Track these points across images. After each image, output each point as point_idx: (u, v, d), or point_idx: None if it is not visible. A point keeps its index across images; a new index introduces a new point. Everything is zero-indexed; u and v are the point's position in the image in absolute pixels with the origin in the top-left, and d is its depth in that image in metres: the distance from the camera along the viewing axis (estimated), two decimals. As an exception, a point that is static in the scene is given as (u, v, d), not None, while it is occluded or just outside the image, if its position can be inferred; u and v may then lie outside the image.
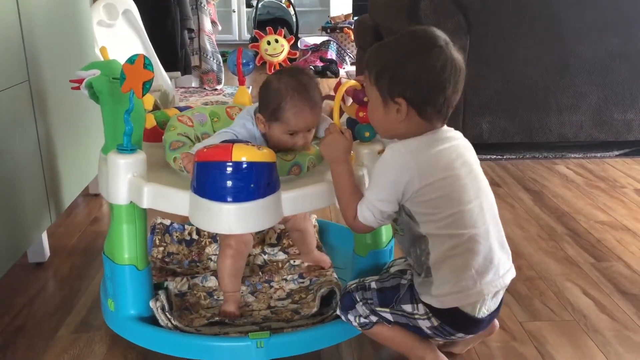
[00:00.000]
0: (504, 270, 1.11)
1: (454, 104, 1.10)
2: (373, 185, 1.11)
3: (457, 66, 1.07)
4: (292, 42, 1.67)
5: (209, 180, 1.08)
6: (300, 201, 1.17)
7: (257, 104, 1.35)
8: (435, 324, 1.10)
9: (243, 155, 1.06)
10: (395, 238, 1.25)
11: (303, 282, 1.47)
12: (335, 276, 1.46)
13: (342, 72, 4.94)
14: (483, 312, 1.09)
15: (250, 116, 1.31)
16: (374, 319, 1.15)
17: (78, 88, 1.23)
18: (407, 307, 1.11)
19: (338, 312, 1.21)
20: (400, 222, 1.15)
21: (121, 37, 2.56)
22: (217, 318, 1.29)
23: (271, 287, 1.46)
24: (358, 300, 1.15)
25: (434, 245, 1.08)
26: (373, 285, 1.16)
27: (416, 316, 1.11)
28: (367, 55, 1.14)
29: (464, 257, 1.07)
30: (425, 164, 1.07)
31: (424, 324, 1.11)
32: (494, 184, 2.36)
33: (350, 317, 1.17)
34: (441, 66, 1.05)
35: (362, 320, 1.16)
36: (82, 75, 1.22)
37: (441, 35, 1.09)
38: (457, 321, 1.10)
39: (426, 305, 1.09)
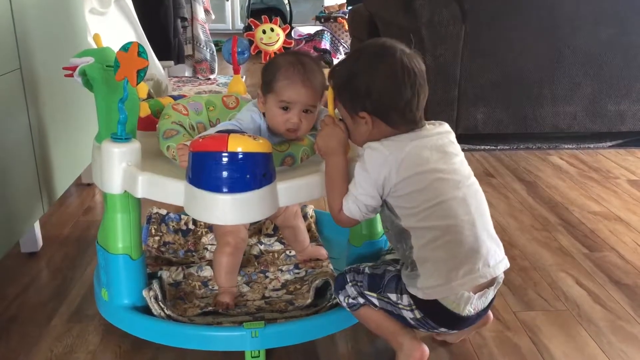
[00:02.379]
0: (495, 261, 1.11)
1: (419, 106, 1.12)
2: (356, 181, 1.12)
3: (411, 69, 1.10)
4: (287, 31, 1.66)
5: (205, 171, 1.08)
6: (296, 192, 1.17)
7: None
8: (418, 316, 1.11)
9: (239, 145, 1.05)
10: (385, 235, 1.27)
11: (299, 273, 1.47)
12: (331, 267, 1.46)
13: (335, 62, 4.93)
14: (468, 310, 1.09)
15: (257, 107, 1.31)
16: (361, 300, 1.17)
17: (71, 75, 1.22)
18: (392, 296, 1.13)
19: (333, 292, 1.23)
20: (383, 219, 1.18)
21: (114, 26, 2.54)
22: (211, 308, 1.29)
23: (266, 277, 1.46)
24: (348, 281, 1.17)
25: (416, 239, 1.09)
26: (366, 270, 1.18)
27: (400, 306, 1.12)
28: (329, 73, 1.19)
29: (447, 249, 1.07)
30: (401, 160, 1.09)
31: (408, 315, 1.12)
32: (488, 174, 2.36)
33: (341, 297, 1.20)
34: (391, 71, 1.09)
35: (351, 300, 1.18)
36: (75, 62, 1.21)
37: (392, 43, 1.13)
38: (440, 316, 1.10)
39: (411, 296, 1.10)
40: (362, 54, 1.15)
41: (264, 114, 1.30)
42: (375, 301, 1.15)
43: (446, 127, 1.17)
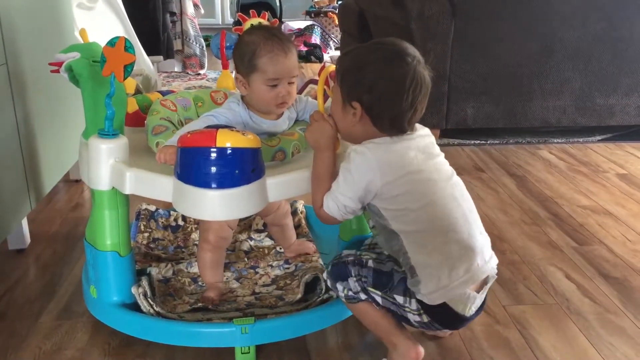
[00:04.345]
0: (488, 255, 1.11)
1: (412, 119, 1.12)
2: (339, 181, 1.12)
3: (419, 83, 1.09)
4: (275, 25, 1.65)
5: (193, 166, 1.07)
6: (285, 187, 1.16)
7: None
8: (426, 320, 1.10)
9: (227, 140, 1.05)
10: (376, 239, 1.26)
11: (288, 268, 1.47)
12: (321, 262, 1.46)
13: (326, 56, 4.92)
14: (472, 310, 1.09)
15: (236, 98, 1.30)
16: (362, 296, 1.14)
17: (57, 71, 1.21)
18: (399, 298, 1.11)
19: (325, 276, 1.20)
20: (373, 223, 1.17)
21: (102, 20, 2.52)
22: (200, 304, 1.28)
23: (256, 273, 1.45)
24: (352, 275, 1.14)
25: (409, 244, 1.08)
26: (370, 263, 1.14)
27: (407, 309, 1.10)
28: (339, 56, 1.18)
29: (444, 250, 1.06)
30: (386, 162, 1.08)
31: (413, 318, 1.11)
32: (478, 169, 2.37)
33: (339, 287, 1.16)
34: (401, 78, 1.08)
35: (350, 294, 1.15)
36: (61, 58, 1.20)
37: (411, 50, 1.11)
38: (447, 319, 1.10)
39: (419, 302, 1.09)
40: (381, 48, 1.12)
41: (242, 97, 1.28)
42: (379, 299, 1.13)
43: (427, 130, 1.18)
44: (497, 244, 1.69)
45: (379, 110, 1.10)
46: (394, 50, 1.10)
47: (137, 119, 1.41)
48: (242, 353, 1.18)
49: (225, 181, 1.07)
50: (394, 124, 1.10)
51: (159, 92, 1.52)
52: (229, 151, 1.05)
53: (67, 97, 1.87)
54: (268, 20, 1.63)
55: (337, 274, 1.17)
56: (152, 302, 1.23)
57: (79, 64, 1.18)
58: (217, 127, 1.10)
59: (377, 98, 1.09)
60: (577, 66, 2.63)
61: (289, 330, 1.21)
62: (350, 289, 1.15)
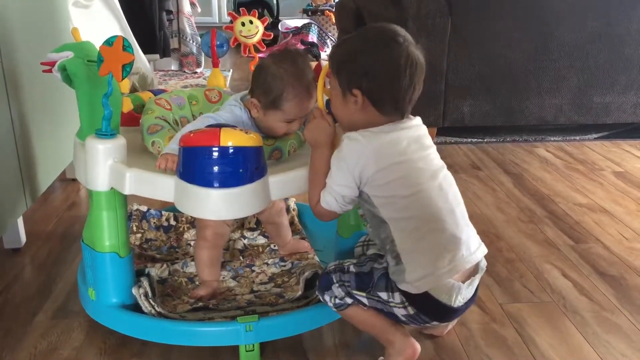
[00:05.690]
0: (475, 246, 1.12)
1: (412, 99, 1.13)
2: (332, 172, 1.12)
3: (414, 61, 1.11)
4: (266, 23, 1.65)
5: (196, 166, 1.07)
6: (287, 185, 1.17)
7: (242, 92, 1.33)
8: (411, 312, 1.10)
9: (231, 139, 1.05)
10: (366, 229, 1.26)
11: (285, 266, 1.47)
12: (317, 259, 1.46)
13: (323, 55, 4.91)
14: (459, 300, 1.09)
15: (237, 102, 1.29)
16: (349, 301, 1.15)
17: (50, 71, 1.20)
18: (383, 295, 1.11)
19: (317, 292, 1.21)
20: (363, 211, 1.18)
21: (98, 19, 2.51)
22: (201, 303, 1.28)
23: (253, 271, 1.45)
24: (335, 281, 1.15)
25: (396, 231, 1.09)
26: (352, 268, 1.15)
27: (391, 304, 1.11)
28: (332, 48, 1.19)
29: (430, 238, 1.07)
30: (379, 149, 1.09)
31: (399, 312, 1.11)
32: (474, 167, 2.37)
33: (327, 297, 1.17)
34: (395, 58, 1.09)
35: (338, 301, 1.16)
36: (53, 57, 1.19)
37: (401, 32, 1.13)
38: (433, 310, 1.10)
39: (403, 293, 1.09)
40: (368, 34, 1.14)
41: (246, 107, 1.28)
42: (365, 300, 1.13)
43: (419, 120, 1.19)
44: (494, 242, 1.69)
45: (379, 93, 1.11)
46: (384, 33, 1.12)
47: (129, 119, 1.40)
48: (246, 351, 1.17)
49: (229, 180, 1.07)
50: (395, 105, 1.12)
51: (150, 91, 1.52)
52: (232, 150, 1.05)
53: (63, 95, 1.86)
54: (258, 18, 1.63)
55: (323, 286, 1.18)
56: (153, 303, 1.23)
57: (73, 64, 1.18)
58: (220, 126, 1.10)
59: (375, 81, 1.10)
60: (573, 64, 2.63)
61: (294, 327, 1.21)
62: (336, 296, 1.15)
